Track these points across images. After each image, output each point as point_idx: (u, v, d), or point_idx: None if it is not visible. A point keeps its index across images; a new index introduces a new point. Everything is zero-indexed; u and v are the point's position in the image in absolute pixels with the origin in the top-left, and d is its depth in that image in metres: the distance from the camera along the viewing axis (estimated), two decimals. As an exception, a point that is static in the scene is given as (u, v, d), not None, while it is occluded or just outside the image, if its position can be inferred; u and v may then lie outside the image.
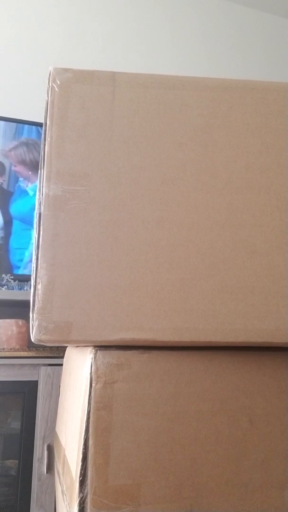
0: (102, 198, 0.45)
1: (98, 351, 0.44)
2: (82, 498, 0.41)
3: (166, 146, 0.47)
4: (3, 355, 1.13)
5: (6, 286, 1.38)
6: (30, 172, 1.50)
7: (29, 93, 1.66)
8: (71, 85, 0.47)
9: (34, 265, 0.44)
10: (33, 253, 0.45)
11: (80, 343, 0.45)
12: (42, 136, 0.47)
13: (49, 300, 0.43)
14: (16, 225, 1.48)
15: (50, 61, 1.73)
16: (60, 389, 0.75)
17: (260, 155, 0.48)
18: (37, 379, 1.14)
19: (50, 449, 1.09)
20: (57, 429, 0.72)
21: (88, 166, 0.46)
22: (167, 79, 0.49)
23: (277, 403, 0.46)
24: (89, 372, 0.43)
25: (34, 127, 1.55)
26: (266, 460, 0.45)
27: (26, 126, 1.55)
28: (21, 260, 1.45)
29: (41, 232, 0.44)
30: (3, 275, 1.40)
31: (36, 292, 0.43)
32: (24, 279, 1.40)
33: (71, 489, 0.45)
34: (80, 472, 0.42)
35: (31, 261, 1.42)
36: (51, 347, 1.17)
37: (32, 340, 0.43)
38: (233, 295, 0.45)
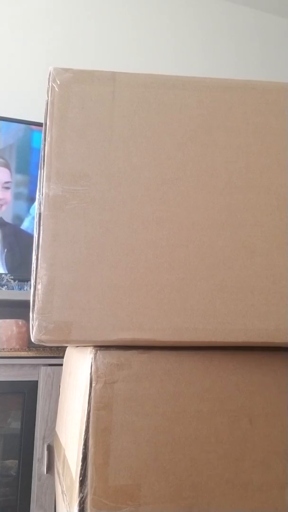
0: (102, 198, 0.45)
1: (98, 351, 0.44)
2: (82, 498, 0.41)
3: (166, 146, 0.47)
4: (3, 355, 1.13)
5: (6, 286, 1.38)
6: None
7: (29, 93, 1.66)
8: (71, 85, 0.47)
9: (34, 265, 0.44)
10: (33, 253, 0.45)
11: (80, 343, 0.45)
12: (42, 136, 0.47)
13: (49, 300, 0.43)
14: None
15: (50, 61, 1.73)
16: (60, 389, 0.75)
17: (260, 155, 0.48)
18: (37, 379, 1.14)
19: (50, 449, 1.09)
20: (57, 429, 0.72)
21: (88, 166, 0.46)
22: (167, 79, 0.49)
23: (277, 403, 0.46)
24: (89, 372, 0.43)
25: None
26: (266, 460, 0.45)
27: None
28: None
29: (41, 232, 0.44)
30: (3, 275, 1.40)
31: (36, 292, 0.43)
32: (24, 279, 1.39)
33: (71, 489, 0.45)
34: (80, 472, 0.42)
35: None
36: (51, 347, 1.17)
37: (32, 340, 0.43)
38: (233, 295, 0.45)
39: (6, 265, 1.44)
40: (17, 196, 1.49)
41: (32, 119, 1.53)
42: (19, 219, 1.48)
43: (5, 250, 1.42)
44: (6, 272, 1.42)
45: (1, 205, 1.44)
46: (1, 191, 1.46)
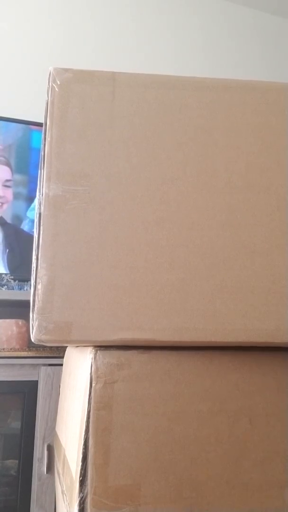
0: (102, 198, 0.45)
1: (98, 351, 0.44)
2: (82, 498, 0.41)
3: (166, 146, 0.47)
4: (3, 355, 1.13)
5: (6, 286, 1.38)
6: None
7: (28, 93, 1.66)
8: (71, 85, 0.47)
9: (34, 265, 0.44)
10: (33, 253, 0.45)
11: (80, 343, 0.45)
12: (42, 136, 0.47)
13: (49, 300, 0.43)
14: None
15: (50, 61, 1.73)
16: (60, 389, 0.75)
17: (260, 155, 0.48)
18: (37, 379, 1.14)
19: (50, 449, 1.09)
20: (57, 429, 0.72)
21: (88, 166, 0.46)
22: (167, 79, 0.49)
23: (277, 403, 0.46)
24: (89, 372, 0.43)
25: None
26: (266, 460, 0.45)
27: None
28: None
29: (41, 232, 0.44)
30: (3, 275, 1.40)
31: (36, 292, 0.43)
32: (24, 279, 1.39)
33: (71, 489, 0.45)
34: (80, 472, 0.42)
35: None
36: (51, 347, 1.17)
37: (32, 340, 0.43)
38: (233, 295, 0.45)
39: (8, 265, 1.43)
40: (16, 196, 1.49)
41: (31, 119, 1.53)
42: (19, 219, 1.48)
43: (7, 250, 1.42)
44: (8, 272, 1.41)
45: (2, 203, 1.44)
46: (2, 189, 1.46)
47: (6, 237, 1.44)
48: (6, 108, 1.59)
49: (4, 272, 1.42)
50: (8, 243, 1.44)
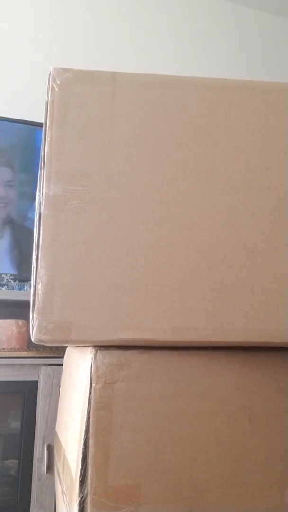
0: (102, 198, 0.45)
1: (98, 351, 0.44)
2: (82, 498, 0.41)
3: (166, 146, 0.47)
4: (3, 355, 1.13)
5: (6, 286, 1.38)
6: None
7: (29, 93, 1.66)
8: (71, 85, 0.47)
9: (34, 265, 0.44)
10: (33, 253, 0.45)
11: (80, 343, 0.45)
12: (42, 136, 0.47)
13: (49, 300, 0.43)
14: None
15: (50, 61, 1.73)
16: (60, 389, 0.75)
17: (260, 155, 0.48)
18: (37, 379, 1.14)
19: (50, 449, 1.09)
20: (57, 429, 0.72)
21: (88, 166, 0.46)
22: (167, 79, 0.49)
23: (277, 403, 0.46)
24: (89, 372, 0.43)
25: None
26: (266, 460, 0.45)
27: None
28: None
29: (41, 232, 0.44)
30: (3, 275, 1.40)
31: (36, 292, 0.43)
32: (24, 279, 1.39)
33: (71, 489, 0.45)
34: (80, 472, 0.42)
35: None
36: (51, 347, 1.17)
37: (32, 340, 0.43)
38: (233, 295, 0.45)
39: (17, 265, 1.43)
40: (20, 195, 1.49)
41: (33, 119, 1.53)
42: (23, 217, 1.48)
43: (15, 250, 1.41)
44: (17, 272, 1.41)
45: (6, 203, 1.44)
46: (4, 190, 1.46)
47: (13, 236, 1.44)
48: (7, 109, 1.59)
49: (13, 272, 1.41)
50: (16, 242, 1.44)
